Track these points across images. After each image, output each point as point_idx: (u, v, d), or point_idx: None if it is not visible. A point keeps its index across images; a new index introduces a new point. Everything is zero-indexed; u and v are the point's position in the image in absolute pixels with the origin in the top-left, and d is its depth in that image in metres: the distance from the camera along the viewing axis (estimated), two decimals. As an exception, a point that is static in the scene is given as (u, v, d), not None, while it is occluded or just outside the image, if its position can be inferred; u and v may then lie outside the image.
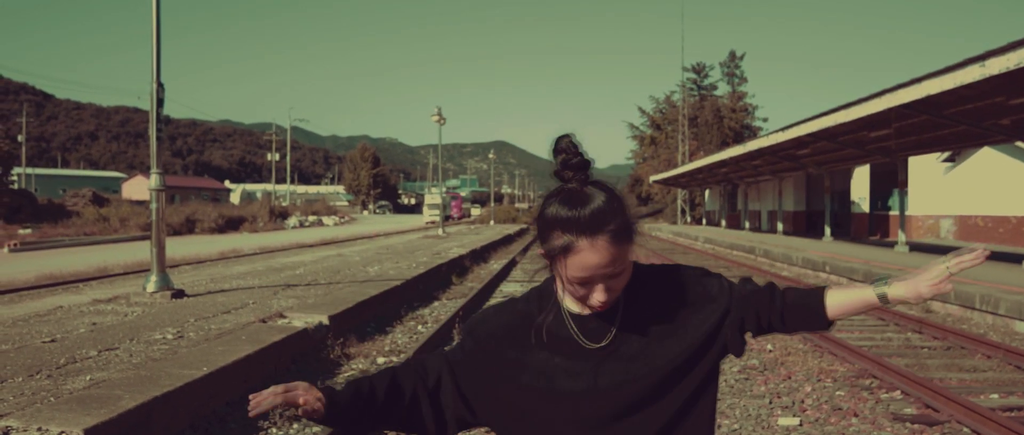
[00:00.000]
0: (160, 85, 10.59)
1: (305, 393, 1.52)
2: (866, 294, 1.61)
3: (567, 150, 1.53)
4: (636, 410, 1.57)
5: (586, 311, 1.61)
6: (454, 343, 1.76)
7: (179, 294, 11.01)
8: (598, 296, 1.52)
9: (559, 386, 1.58)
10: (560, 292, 1.64)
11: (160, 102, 10.51)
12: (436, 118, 38.00)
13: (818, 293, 1.65)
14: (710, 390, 1.64)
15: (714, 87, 75.60)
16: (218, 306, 10.08)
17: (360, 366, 8.10)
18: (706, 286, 1.67)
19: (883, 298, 1.59)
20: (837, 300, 1.64)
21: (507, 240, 34.50)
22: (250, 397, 1.50)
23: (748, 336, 1.68)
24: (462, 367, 1.68)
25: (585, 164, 1.53)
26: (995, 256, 20.52)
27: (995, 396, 6.89)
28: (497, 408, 1.64)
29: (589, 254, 1.46)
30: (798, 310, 1.65)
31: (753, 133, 67.25)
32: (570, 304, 1.62)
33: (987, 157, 31.58)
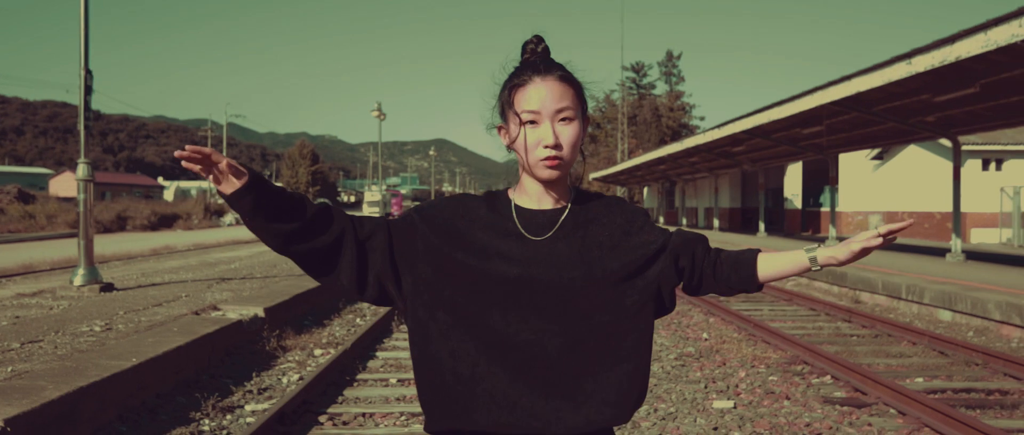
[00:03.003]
0: (88, 72, 10.26)
1: (230, 160, 1.53)
2: (797, 257, 1.65)
3: (533, 41, 1.69)
4: (565, 313, 1.59)
5: (534, 205, 1.68)
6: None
7: (108, 288, 10.70)
8: (548, 137, 1.58)
9: (493, 268, 1.60)
10: (511, 193, 1.72)
11: (88, 89, 10.19)
12: (376, 113, 37.71)
13: (751, 253, 1.69)
14: (643, 323, 1.66)
15: (652, 86, 76.64)
16: (149, 299, 9.82)
17: (297, 358, 7.97)
18: (648, 222, 1.74)
19: (813, 260, 1.63)
20: (768, 261, 1.68)
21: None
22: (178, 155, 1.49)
23: (680, 291, 1.71)
24: (401, 231, 1.68)
25: (548, 50, 1.68)
26: (920, 249, 21.21)
27: (920, 380, 7.11)
28: (425, 282, 1.64)
29: (540, 87, 1.59)
30: (731, 265, 1.69)
31: (690, 132, 68.30)
32: (519, 200, 1.69)
33: (913, 155, 32.63)
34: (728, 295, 1.73)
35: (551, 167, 1.60)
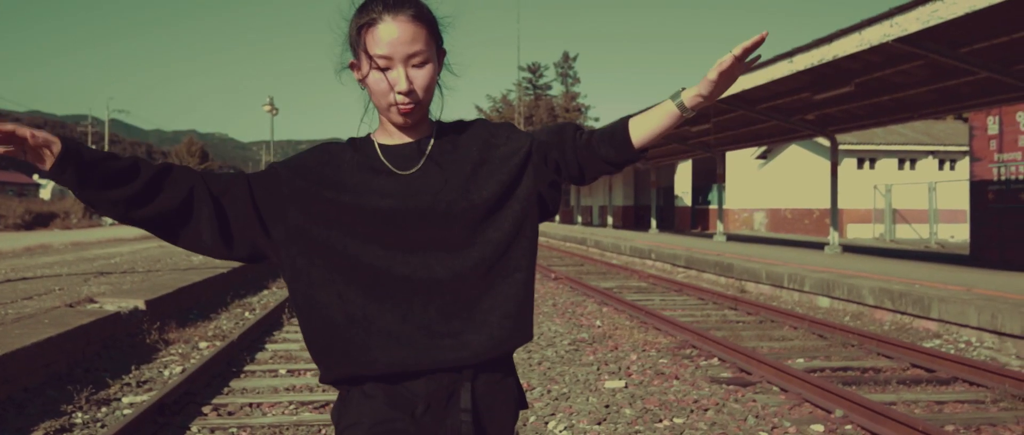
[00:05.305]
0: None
1: (36, 131, 1.35)
2: (666, 108, 1.58)
3: None
4: (447, 239, 1.56)
5: (398, 141, 1.63)
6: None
7: (-27, 283, 10.03)
8: (401, 84, 1.52)
9: (365, 203, 1.55)
10: (372, 135, 1.67)
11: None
12: (268, 108, 36.73)
13: (622, 121, 1.63)
14: (528, 232, 1.64)
15: (549, 87, 77.47)
16: (18, 293, 9.26)
17: (181, 351, 7.65)
18: (513, 130, 1.71)
19: (682, 106, 1.56)
20: (640, 123, 1.60)
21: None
22: None
23: (565, 192, 1.68)
24: (262, 181, 1.60)
25: None
26: (801, 244, 22.16)
27: (801, 360, 7.40)
28: (297, 228, 1.57)
29: (391, 27, 1.51)
30: (605, 139, 1.62)
31: (585, 132, 69.31)
32: (381, 139, 1.64)
33: (794, 155, 34.12)
34: (611, 171, 1.67)
35: (405, 113, 1.56)
